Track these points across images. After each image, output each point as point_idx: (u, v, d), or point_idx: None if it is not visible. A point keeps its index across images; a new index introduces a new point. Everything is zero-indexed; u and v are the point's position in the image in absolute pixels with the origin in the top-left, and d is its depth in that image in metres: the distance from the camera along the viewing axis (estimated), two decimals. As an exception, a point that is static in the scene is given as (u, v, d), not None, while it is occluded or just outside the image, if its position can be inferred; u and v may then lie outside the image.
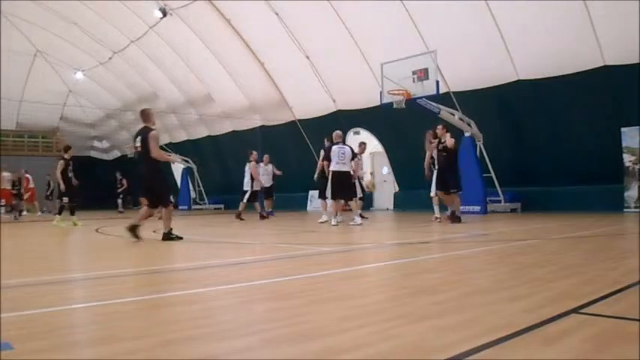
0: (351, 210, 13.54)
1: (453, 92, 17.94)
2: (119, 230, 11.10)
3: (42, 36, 29.72)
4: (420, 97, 14.92)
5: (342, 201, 12.30)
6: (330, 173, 11.92)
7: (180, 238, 8.65)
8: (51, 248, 8.59)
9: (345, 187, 11.93)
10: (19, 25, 28.79)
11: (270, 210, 17.54)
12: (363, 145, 15.65)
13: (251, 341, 2.54)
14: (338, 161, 11.80)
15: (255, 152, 16.69)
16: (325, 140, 13.59)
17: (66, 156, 14.10)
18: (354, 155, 12.43)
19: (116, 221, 11.38)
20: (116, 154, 40.41)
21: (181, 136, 32.71)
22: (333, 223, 11.77)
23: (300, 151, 24.20)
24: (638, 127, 14.77)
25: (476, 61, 16.97)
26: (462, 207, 16.79)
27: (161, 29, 25.20)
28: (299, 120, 24.60)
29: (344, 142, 12.54)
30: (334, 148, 11.96)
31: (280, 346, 2.46)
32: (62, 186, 13.68)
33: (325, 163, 12.52)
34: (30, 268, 5.81)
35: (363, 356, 2.24)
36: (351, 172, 12.30)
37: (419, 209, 18.38)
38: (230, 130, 28.47)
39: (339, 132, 12.38)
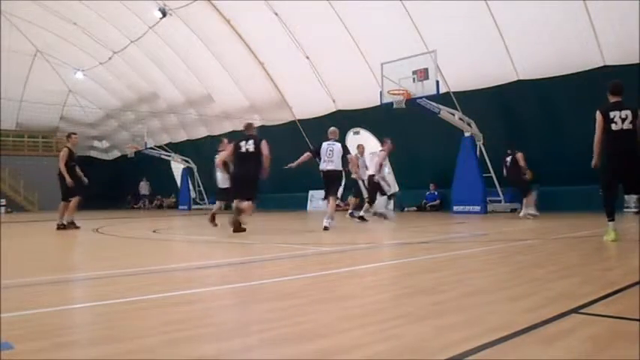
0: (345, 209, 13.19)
1: (453, 92, 17.94)
2: (118, 230, 11.11)
3: (42, 36, 29.74)
4: (420, 97, 14.93)
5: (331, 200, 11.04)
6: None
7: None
8: (51, 248, 8.59)
9: (331, 185, 11.06)
10: (19, 25, 28.81)
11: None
12: (360, 148, 14.36)
13: (251, 341, 2.54)
14: (325, 159, 10.94)
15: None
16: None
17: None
18: (346, 152, 11.14)
19: (115, 221, 11.36)
20: (116, 153, 40.44)
21: (181, 136, 32.71)
22: (325, 224, 10.39)
23: (300, 151, 23.96)
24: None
25: (476, 61, 16.97)
26: (462, 207, 16.87)
27: (161, 29, 25.20)
28: (299, 120, 24.59)
29: (339, 140, 11.37)
30: (323, 144, 11.10)
31: (280, 346, 2.46)
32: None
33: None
34: (30, 267, 5.81)
35: (362, 356, 2.24)
36: (340, 170, 11.21)
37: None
38: (230, 130, 28.46)
39: (332, 128, 11.44)
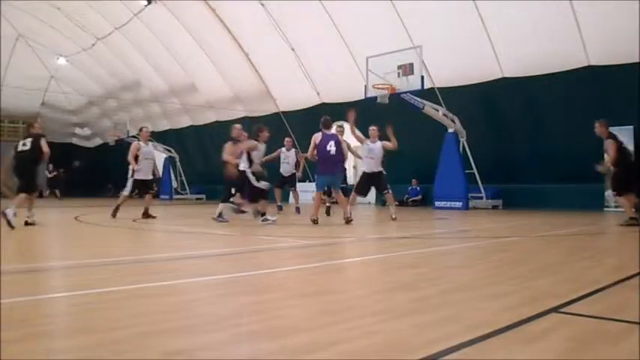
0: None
1: (438, 88, 17.97)
2: (98, 218, 10.99)
3: (24, 19, 29.25)
4: (405, 92, 14.90)
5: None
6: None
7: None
8: (29, 236, 8.45)
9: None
10: (1, 8, 28.33)
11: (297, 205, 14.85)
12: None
13: (225, 336, 2.48)
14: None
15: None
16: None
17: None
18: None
19: (95, 209, 11.14)
20: (98, 141, 40.01)
21: (164, 125, 32.43)
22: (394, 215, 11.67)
23: (282, 144, 24.05)
24: (621, 126, 14.89)
25: (461, 57, 17.01)
26: (443, 202, 16.87)
27: (145, 17, 24.93)
28: (282, 112, 24.49)
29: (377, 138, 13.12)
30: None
31: (256, 341, 2.41)
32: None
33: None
34: (5, 256, 5.70)
35: (340, 353, 2.20)
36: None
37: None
38: (214, 120, 28.29)
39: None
